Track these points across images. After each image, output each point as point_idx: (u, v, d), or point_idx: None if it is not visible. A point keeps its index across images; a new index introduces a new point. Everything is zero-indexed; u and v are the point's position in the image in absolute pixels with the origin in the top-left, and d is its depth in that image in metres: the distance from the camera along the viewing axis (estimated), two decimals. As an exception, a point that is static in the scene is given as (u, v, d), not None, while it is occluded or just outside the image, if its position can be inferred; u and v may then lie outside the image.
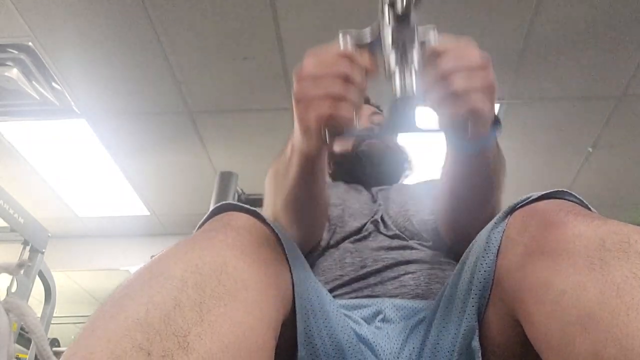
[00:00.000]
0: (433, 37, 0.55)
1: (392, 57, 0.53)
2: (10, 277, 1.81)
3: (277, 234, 0.57)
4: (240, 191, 1.87)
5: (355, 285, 0.78)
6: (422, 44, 0.55)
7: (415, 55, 0.53)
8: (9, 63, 2.25)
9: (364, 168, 1.02)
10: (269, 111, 2.63)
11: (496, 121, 0.62)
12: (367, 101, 1.12)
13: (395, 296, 0.74)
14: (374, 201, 0.94)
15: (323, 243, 0.85)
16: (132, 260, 3.72)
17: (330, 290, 0.75)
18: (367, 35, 0.56)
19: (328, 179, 1.08)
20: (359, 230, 0.85)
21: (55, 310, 2.36)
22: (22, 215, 2.12)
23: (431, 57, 0.54)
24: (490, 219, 0.57)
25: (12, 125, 2.73)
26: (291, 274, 0.55)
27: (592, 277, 0.39)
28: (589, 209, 0.52)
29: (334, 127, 0.53)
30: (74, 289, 4.46)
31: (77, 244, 3.86)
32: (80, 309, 4.67)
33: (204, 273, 0.42)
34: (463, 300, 0.57)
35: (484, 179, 0.62)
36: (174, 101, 2.54)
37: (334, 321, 0.60)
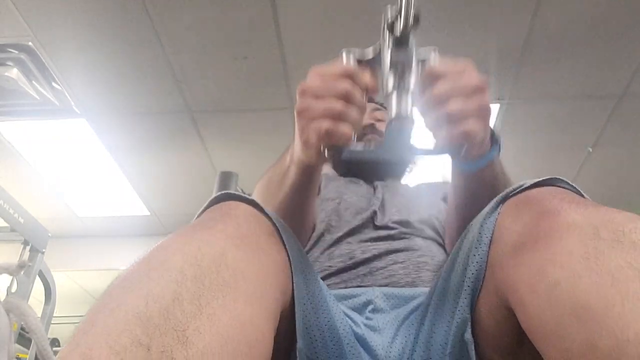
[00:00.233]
0: (433, 59, 0.57)
1: (390, 79, 0.54)
2: (10, 277, 1.81)
3: (275, 224, 0.56)
4: (240, 191, 1.87)
5: (345, 276, 0.77)
6: (423, 64, 0.56)
7: (412, 77, 0.54)
8: (9, 63, 2.25)
9: (365, 163, 1.02)
10: (269, 111, 2.63)
11: (495, 141, 0.63)
12: (371, 100, 1.12)
13: (385, 285, 0.74)
14: (373, 194, 0.94)
15: (316, 234, 0.85)
16: (132, 260, 3.71)
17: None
18: (369, 52, 0.59)
19: (330, 171, 1.08)
20: (353, 224, 0.85)
21: (55, 310, 2.36)
22: (22, 215, 2.12)
23: (429, 78, 0.55)
24: None
25: (12, 125, 2.73)
26: (290, 264, 0.55)
27: (587, 267, 0.39)
28: (582, 196, 0.51)
29: (332, 143, 0.55)
30: (74, 289, 4.46)
31: (77, 244, 3.86)
32: (80, 309, 4.67)
33: (203, 265, 0.42)
34: (456, 291, 0.56)
35: (485, 198, 0.59)
36: (174, 101, 2.54)
37: (332, 313, 0.59)
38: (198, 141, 2.86)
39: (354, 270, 0.77)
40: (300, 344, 0.54)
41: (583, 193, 0.52)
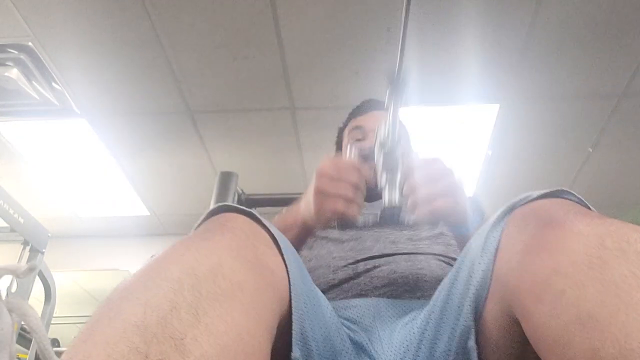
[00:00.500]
0: (414, 158, 0.75)
1: (383, 177, 0.72)
2: (11, 277, 1.81)
3: (273, 236, 0.57)
4: (240, 191, 1.86)
5: (346, 286, 0.79)
6: (407, 159, 0.75)
7: (398, 176, 0.72)
8: (9, 63, 2.25)
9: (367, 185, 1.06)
10: (269, 111, 2.63)
11: (479, 211, 0.78)
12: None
13: (385, 296, 0.75)
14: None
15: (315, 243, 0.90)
16: (132, 260, 3.71)
17: (322, 292, 0.76)
18: (367, 149, 0.80)
19: None
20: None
21: (55, 310, 2.36)
22: (22, 215, 2.12)
23: (408, 173, 0.73)
24: None
25: (12, 125, 2.73)
26: (288, 276, 0.55)
27: (592, 276, 0.39)
28: (589, 208, 0.52)
29: (343, 219, 0.72)
30: (74, 289, 4.45)
31: (77, 244, 3.86)
32: (80, 309, 4.67)
33: (200, 275, 0.42)
34: (460, 299, 0.57)
35: None
36: (174, 101, 2.55)
37: (328, 324, 0.60)
38: (198, 141, 2.86)
39: (355, 281, 0.79)
40: (296, 354, 0.54)
41: (589, 205, 0.52)
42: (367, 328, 0.69)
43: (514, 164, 2.98)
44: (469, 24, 2.12)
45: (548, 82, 2.40)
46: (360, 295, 0.76)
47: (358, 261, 0.83)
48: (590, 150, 2.82)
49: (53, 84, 2.41)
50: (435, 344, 0.60)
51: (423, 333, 0.63)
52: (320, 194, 0.73)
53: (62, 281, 3.96)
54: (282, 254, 0.56)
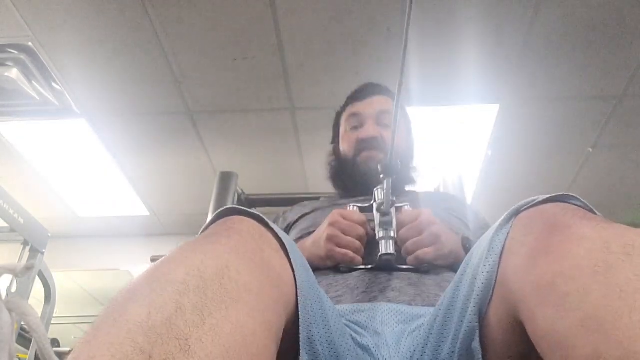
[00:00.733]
0: (405, 210, 0.91)
1: (380, 231, 0.86)
2: (11, 277, 1.81)
3: (281, 239, 0.57)
4: (240, 191, 1.86)
5: (354, 290, 0.79)
6: (399, 209, 0.91)
7: (392, 230, 0.86)
8: (9, 63, 2.25)
9: (363, 177, 1.05)
10: (269, 111, 2.64)
11: (468, 250, 0.82)
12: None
13: (394, 301, 0.75)
14: None
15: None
16: (132, 260, 3.71)
17: (330, 295, 0.77)
18: (366, 205, 0.93)
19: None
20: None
21: (55, 310, 2.36)
22: (22, 215, 2.12)
23: (399, 225, 0.88)
24: None
25: (12, 125, 2.73)
26: (295, 279, 0.55)
27: (596, 280, 0.39)
28: (594, 212, 0.52)
29: (349, 264, 0.86)
30: (74, 289, 4.45)
31: (77, 244, 3.86)
32: (80, 309, 4.67)
33: (206, 277, 0.42)
34: (465, 301, 0.57)
35: None
36: (174, 101, 2.55)
37: (333, 328, 0.60)
38: (198, 141, 2.86)
39: (363, 284, 0.80)
40: (304, 358, 0.54)
41: (594, 210, 0.52)
42: (376, 333, 0.69)
43: (514, 164, 2.98)
44: (469, 24, 2.12)
45: (548, 82, 2.40)
46: (369, 300, 0.76)
47: (367, 270, 0.85)
48: (590, 150, 2.82)
49: (53, 84, 2.41)
50: (440, 345, 0.60)
51: (428, 336, 0.63)
52: (331, 241, 0.87)
53: (62, 281, 3.96)
54: (289, 258, 0.56)
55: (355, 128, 1.12)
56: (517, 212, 0.55)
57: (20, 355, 2.39)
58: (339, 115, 1.23)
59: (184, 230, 3.75)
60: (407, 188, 1.16)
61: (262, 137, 2.83)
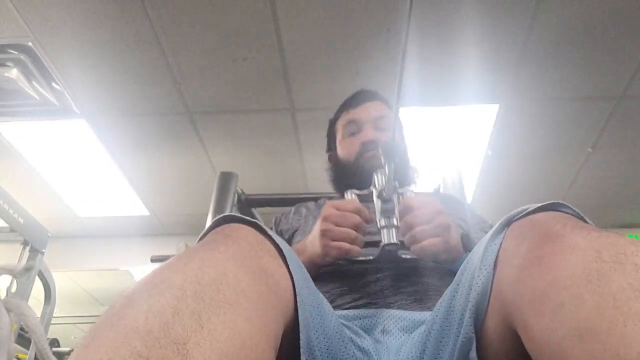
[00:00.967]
0: (408, 196, 0.85)
1: (381, 219, 0.81)
2: (10, 277, 1.81)
3: (278, 246, 0.57)
4: (240, 191, 1.86)
5: (355, 295, 0.79)
6: (402, 196, 0.85)
7: (395, 218, 0.81)
8: (9, 63, 2.25)
9: (368, 175, 1.04)
10: (269, 111, 2.64)
11: (468, 247, 0.81)
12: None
13: (395, 306, 0.75)
14: None
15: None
16: (132, 260, 3.71)
17: (330, 300, 0.77)
18: (366, 192, 0.88)
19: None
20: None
21: (55, 310, 2.36)
22: (22, 215, 2.12)
23: (404, 210, 0.82)
24: None
25: (12, 125, 2.73)
26: (293, 286, 0.56)
27: (589, 289, 0.39)
28: (585, 221, 0.52)
29: (347, 257, 0.82)
30: (74, 289, 4.45)
31: (77, 244, 3.86)
32: (80, 309, 4.67)
33: (204, 282, 0.42)
34: (461, 311, 0.57)
35: None
36: (173, 102, 2.55)
37: (331, 334, 0.60)
38: (198, 142, 2.86)
39: (364, 290, 0.80)
40: None
41: (586, 218, 0.53)
42: (375, 338, 0.69)
43: (514, 164, 2.98)
44: (468, 25, 2.12)
45: (548, 82, 2.40)
46: (370, 305, 0.77)
47: (368, 273, 0.84)
48: (590, 150, 2.82)
49: (53, 84, 2.41)
50: (437, 355, 0.60)
51: (425, 343, 0.64)
52: (325, 236, 0.82)
53: (62, 281, 3.96)
54: (287, 264, 0.56)
55: (353, 134, 1.12)
56: (509, 222, 0.55)
57: (20, 356, 2.40)
58: (332, 123, 1.22)
59: (184, 230, 3.75)
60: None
61: (262, 137, 2.83)
